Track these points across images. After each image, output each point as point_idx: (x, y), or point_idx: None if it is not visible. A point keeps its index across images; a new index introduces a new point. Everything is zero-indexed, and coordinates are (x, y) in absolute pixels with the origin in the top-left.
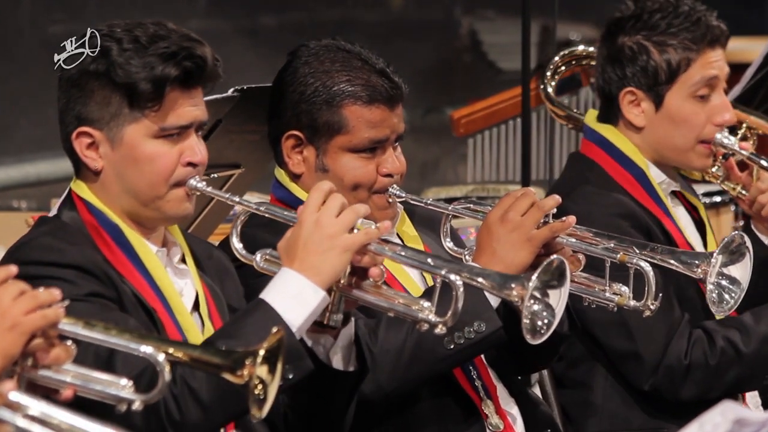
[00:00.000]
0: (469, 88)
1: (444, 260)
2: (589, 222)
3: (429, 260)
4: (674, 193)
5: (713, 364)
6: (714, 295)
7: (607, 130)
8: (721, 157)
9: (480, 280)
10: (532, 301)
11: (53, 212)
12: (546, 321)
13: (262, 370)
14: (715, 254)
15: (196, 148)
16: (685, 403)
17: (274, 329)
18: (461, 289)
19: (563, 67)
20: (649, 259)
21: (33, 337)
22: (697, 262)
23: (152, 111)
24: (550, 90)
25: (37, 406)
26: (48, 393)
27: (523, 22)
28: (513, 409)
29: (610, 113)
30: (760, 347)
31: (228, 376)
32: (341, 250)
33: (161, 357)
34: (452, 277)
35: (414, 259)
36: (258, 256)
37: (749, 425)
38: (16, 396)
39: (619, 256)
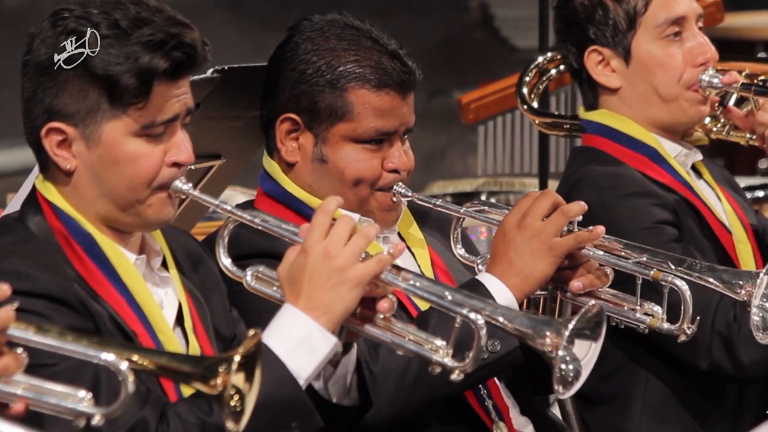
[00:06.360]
0: (480, 69)
1: (465, 295)
2: (603, 210)
3: (447, 294)
4: (694, 170)
5: None
6: (757, 318)
7: (602, 115)
8: (717, 106)
9: (504, 321)
10: (564, 352)
11: (11, 208)
12: (573, 370)
13: (238, 379)
14: (762, 274)
15: (182, 145)
16: (747, 369)
17: (251, 332)
18: (484, 331)
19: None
20: (685, 277)
21: None
22: (741, 282)
23: (136, 108)
24: (535, 105)
25: None
26: None
27: None
28: (527, 429)
29: (587, 89)
30: None
31: (199, 386)
32: (352, 284)
33: (124, 365)
34: (473, 316)
35: (430, 293)
36: (248, 276)
37: None
38: None
39: (652, 273)
